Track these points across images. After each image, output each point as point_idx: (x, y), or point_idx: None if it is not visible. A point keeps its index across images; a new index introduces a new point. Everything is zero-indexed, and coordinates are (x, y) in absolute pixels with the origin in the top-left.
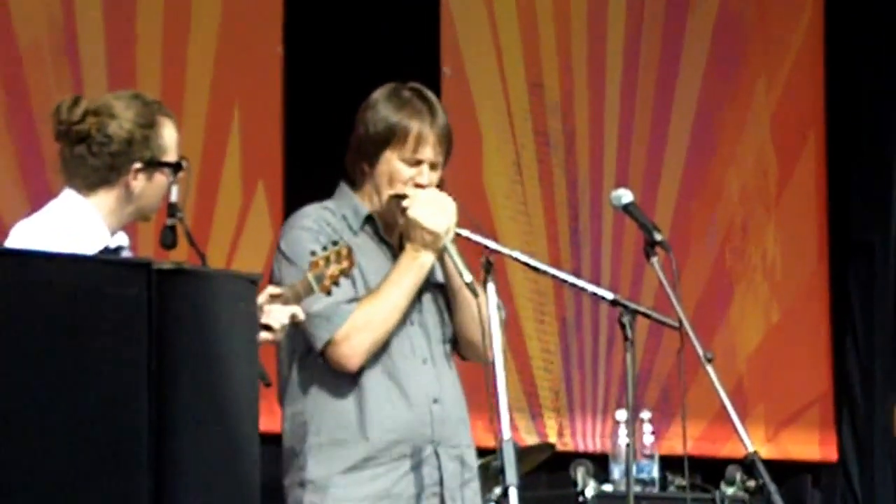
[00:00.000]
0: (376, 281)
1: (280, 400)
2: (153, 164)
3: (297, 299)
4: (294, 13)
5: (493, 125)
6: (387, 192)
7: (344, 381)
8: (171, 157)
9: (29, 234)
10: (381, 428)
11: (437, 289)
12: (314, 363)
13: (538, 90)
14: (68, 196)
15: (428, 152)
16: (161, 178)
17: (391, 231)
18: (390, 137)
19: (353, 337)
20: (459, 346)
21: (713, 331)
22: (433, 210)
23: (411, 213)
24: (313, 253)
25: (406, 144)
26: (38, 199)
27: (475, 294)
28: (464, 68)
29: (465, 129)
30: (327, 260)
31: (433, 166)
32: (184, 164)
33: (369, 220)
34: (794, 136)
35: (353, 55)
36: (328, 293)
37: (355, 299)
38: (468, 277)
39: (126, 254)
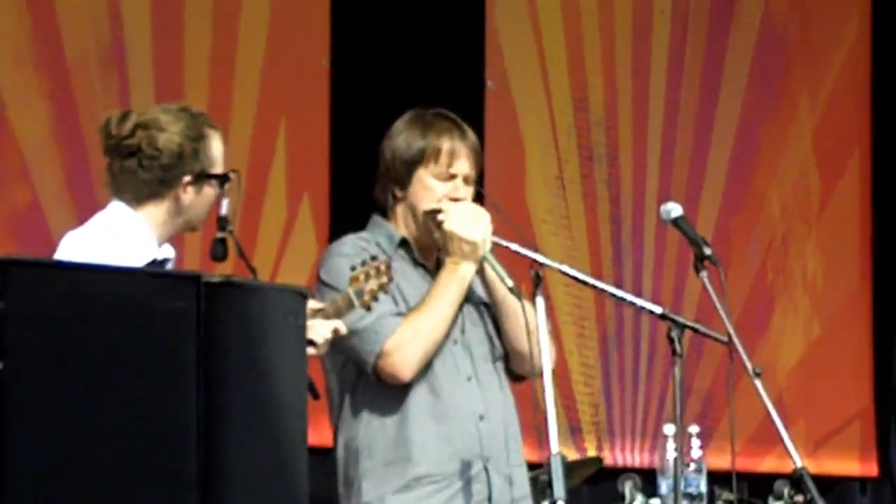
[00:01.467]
0: (416, 301)
1: (335, 431)
2: (202, 177)
3: (339, 314)
4: (340, 27)
5: (536, 139)
6: (421, 209)
7: (393, 403)
8: (218, 169)
9: (79, 245)
10: (429, 447)
11: (480, 306)
12: (364, 389)
13: (582, 105)
14: (117, 208)
15: (462, 165)
16: (209, 190)
17: (427, 254)
18: (422, 157)
19: (404, 347)
20: (511, 361)
21: (754, 346)
22: (468, 220)
23: (447, 225)
24: (353, 268)
25: (439, 160)
26: (85, 212)
27: (519, 298)
28: (508, 82)
29: (508, 142)
30: (367, 275)
31: (466, 180)
32: (232, 175)
33: (404, 243)
34: (838, 151)
35: (399, 69)
36: (368, 308)
37: (400, 314)
38: (510, 282)
39: (171, 266)
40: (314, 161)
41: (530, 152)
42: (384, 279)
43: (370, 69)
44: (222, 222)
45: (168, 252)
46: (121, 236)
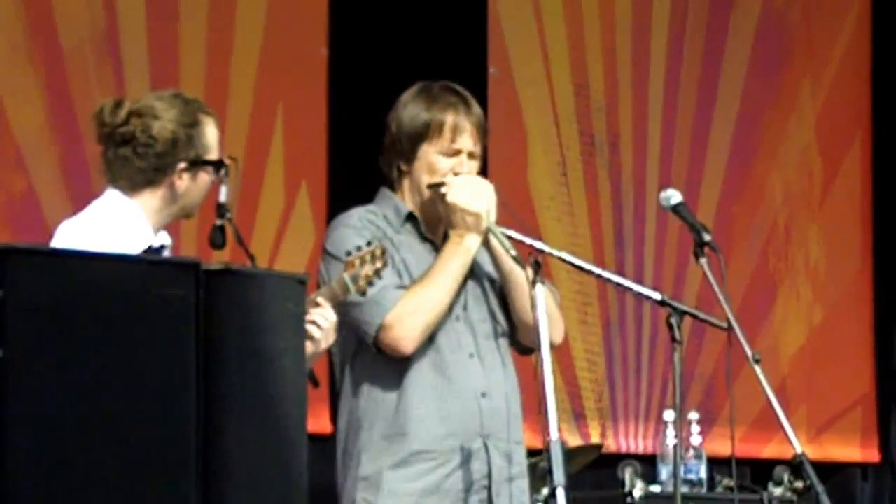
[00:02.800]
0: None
1: (339, 401)
2: (198, 164)
3: (335, 299)
4: (339, 14)
5: (538, 126)
6: (425, 184)
7: (393, 377)
8: (213, 155)
9: (75, 233)
10: (429, 423)
11: (484, 282)
12: (365, 361)
13: (583, 92)
14: (112, 196)
15: (466, 141)
16: (205, 176)
17: (434, 229)
18: (426, 131)
19: (406, 319)
20: (518, 333)
21: (756, 332)
22: (471, 192)
23: (450, 197)
24: (348, 253)
25: (443, 136)
26: (80, 200)
27: (523, 268)
28: (510, 69)
29: (510, 130)
30: (362, 260)
31: (471, 155)
32: (228, 162)
33: (411, 218)
34: (840, 137)
35: (399, 56)
36: (363, 294)
37: (403, 286)
38: (514, 252)
39: (167, 253)
40: (312, 149)
41: (532, 139)
42: (379, 264)
43: (369, 57)
44: (221, 210)
45: (164, 239)
46: (116, 224)
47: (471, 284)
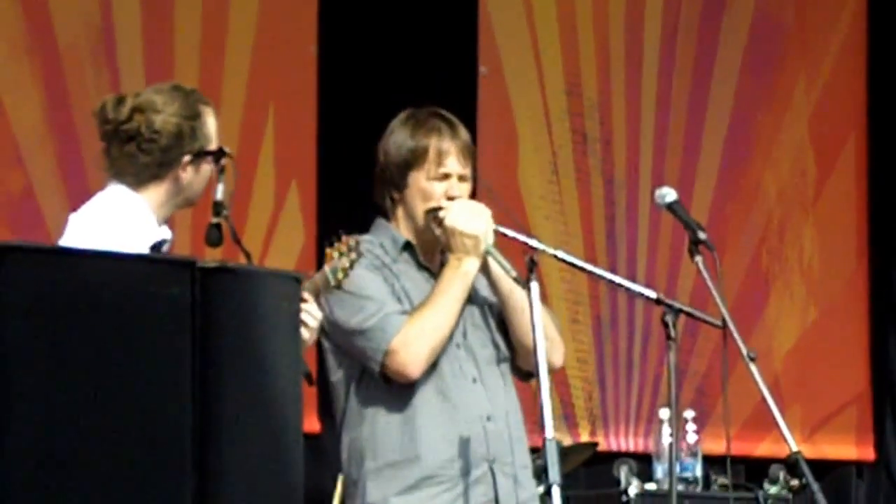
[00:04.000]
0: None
1: (339, 431)
2: (201, 155)
3: (317, 293)
4: (329, 13)
5: (529, 125)
6: (421, 210)
7: (398, 403)
8: (214, 145)
9: (85, 228)
10: (436, 447)
11: (483, 308)
12: (369, 389)
13: (575, 90)
14: (118, 190)
15: (453, 164)
16: (207, 167)
17: (430, 256)
18: (412, 159)
19: (411, 344)
20: (519, 358)
21: (749, 330)
22: (469, 215)
23: (448, 221)
24: (329, 244)
25: (429, 161)
26: (78, 197)
27: (525, 288)
28: (501, 68)
29: (501, 128)
30: (339, 252)
31: (461, 178)
32: (228, 150)
33: (408, 247)
34: (834, 136)
35: (389, 55)
36: (340, 286)
37: (406, 312)
38: (514, 273)
39: (167, 247)
40: (302, 147)
41: (523, 138)
42: (354, 255)
43: (359, 55)
44: (217, 207)
45: (165, 233)
46: (125, 218)
47: (469, 310)
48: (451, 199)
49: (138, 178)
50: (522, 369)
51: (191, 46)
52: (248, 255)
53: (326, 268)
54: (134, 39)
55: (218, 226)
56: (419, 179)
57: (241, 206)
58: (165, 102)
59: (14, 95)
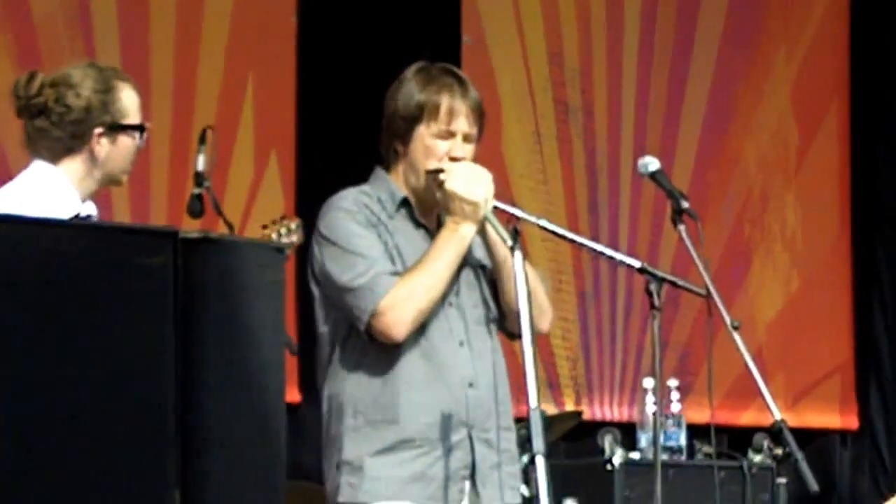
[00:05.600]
0: (415, 261)
1: (319, 383)
2: (114, 128)
3: None
4: None
5: (512, 95)
6: (422, 169)
7: (382, 364)
8: (133, 119)
9: (5, 203)
10: (416, 411)
11: (476, 269)
12: (355, 347)
13: (558, 60)
14: (38, 166)
15: (462, 124)
16: (126, 140)
17: (428, 214)
18: (421, 113)
19: (399, 306)
20: (509, 322)
21: (732, 300)
22: (470, 180)
23: (448, 185)
24: (265, 227)
25: (438, 118)
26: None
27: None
28: (484, 37)
29: (484, 98)
30: (278, 233)
31: (467, 138)
32: (146, 124)
33: (405, 203)
34: (816, 105)
35: (371, 25)
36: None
37: (397, 273)
38: (511, 241)
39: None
40: (281, 118)
41: (507, 107)
42: (294, 238)
43: (339, 25)
44: (199, 178)
45: (90, 209)
46: (43, 192)
47: (464, 270)
48: (453, 159)
49: (52, 152)
50: (510, 330)
51: (167, 17)
52: (230, 226)
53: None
54: (110, 12)
55: (199, 196)
56: (424, 135)
57: (220, 176)
58: (78, 77)
59: None
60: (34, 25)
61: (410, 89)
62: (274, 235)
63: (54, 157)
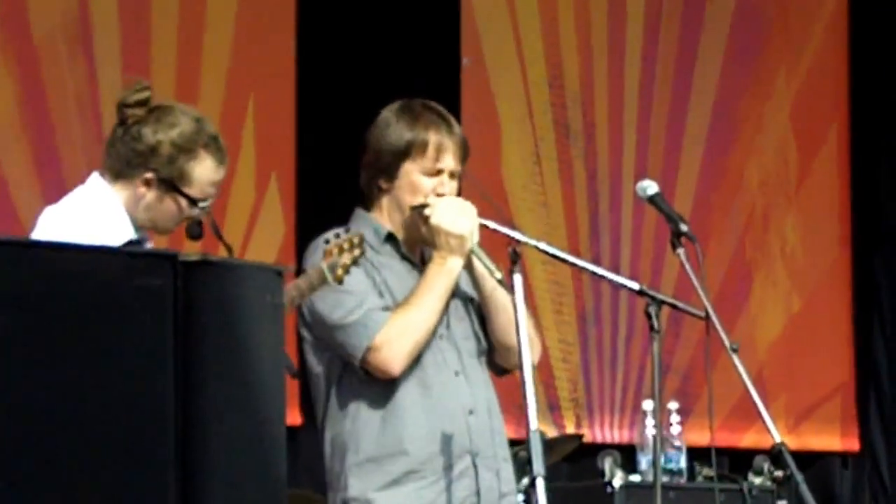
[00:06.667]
0: (403, 295)
1: (321, 425)
2: (164, 183)
3: (311, 289)
4: (308, 3)
5: (512, 116)
6: (407, 205)
7: (380, 397)
8: (192, 190)
9: (58, 222)
10: (421, 441)
11: (465, 302)
12: (351, 383)
13: (558, 81)
14: (96, 182)
15: (449, 161)
16: (171, 203)
17: (413, 248)
18: (409, 150)
19: (394, 341)
20: (497, 355)
21: (733, 321)
22: (455, 214)
23: (434, 220)
24: (327, 241)
25: (426, 155)
26: (52, 190)
27: (509, 291)
28: (483, 59)
29: (483, 119)
30: (340, 249)
31: (452, 175)
32: (202, 204)
33: (390, 237)
34: (816, 126)
35: (371, 47)
36: (340, 282)
37: (388, 308)
38: (498, 275)
39: (149, 245)
40: (282, 140)
41: (506, 129)
42: (357, 252)
43: (339, 47)
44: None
45: (146, 235)
46: (100, 213)
47: (453, 303)
48: (439, 195)
49: (111, 168)
50: (499, 365)
51: (169, 39)
52: (229, 249)
53: (324, 264)
54: (111, 31)
55: (199, 220)
56: (411, 171)
57: (220, 198)
58: (173, 119)
59: None
60: (35, 46)
61: (396, 127)
62: (336, 250)
63: (112, 174)
